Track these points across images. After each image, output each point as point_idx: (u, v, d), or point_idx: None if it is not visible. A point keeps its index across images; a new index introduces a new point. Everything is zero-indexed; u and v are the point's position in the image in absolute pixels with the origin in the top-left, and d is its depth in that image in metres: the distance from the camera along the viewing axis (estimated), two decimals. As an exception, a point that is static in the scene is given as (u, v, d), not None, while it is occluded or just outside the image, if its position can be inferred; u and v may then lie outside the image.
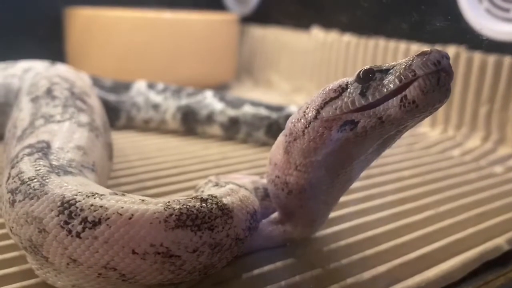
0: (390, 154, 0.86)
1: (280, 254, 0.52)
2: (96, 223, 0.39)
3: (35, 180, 0.43)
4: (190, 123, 0.97)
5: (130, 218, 0.39)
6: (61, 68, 0.81)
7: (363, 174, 0.61)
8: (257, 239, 0.50)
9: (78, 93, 0.68)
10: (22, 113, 0.63)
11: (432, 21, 1.04)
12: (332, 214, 0.59)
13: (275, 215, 0.52)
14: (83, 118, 0.61)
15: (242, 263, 0.50)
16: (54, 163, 0.48)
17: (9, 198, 0.43)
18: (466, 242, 0.57)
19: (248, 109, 0.93)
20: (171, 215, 0.40)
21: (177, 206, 0.41)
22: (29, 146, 0.51)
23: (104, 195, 0.41)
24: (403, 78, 0.38)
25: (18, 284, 0.46)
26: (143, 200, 0.41)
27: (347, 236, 0.57)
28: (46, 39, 1.33)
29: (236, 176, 0.58)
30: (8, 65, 0.89)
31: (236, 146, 0.92)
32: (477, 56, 0.96)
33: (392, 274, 0.51)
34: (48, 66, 0.83)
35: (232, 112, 0.94)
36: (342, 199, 0.61)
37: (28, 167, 0.46)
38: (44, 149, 0.50)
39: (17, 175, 0.45)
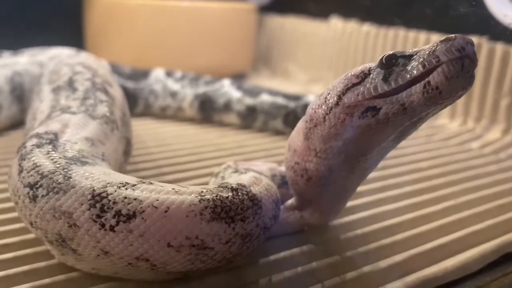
0: (408, 145, 0.85)
1: (296, 241, 0.52)
2: (130, 217, 0.38)
3: (57, 173, 0.42)
4: (207, 111, 0.97)
5: (166, 211, 0.38)
6: (84, 56, 0.82)
7: (380, 164, 0.60)
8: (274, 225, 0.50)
9: (99, 83, 0.67)
10: (43, 104, 0.62)
11: (453, 10, 1.03)
12: (349, 203, 0.59)
13: (292, 201, 0.52)
14: (100, 110, 0.59)
15: (259, 249, 0.50)
16: (67, 154, 0.46)
17: (28, 193, 0.42)
18: (485, 234, 0.57)
19: (265, 98, 0.93)
20: (206, 207, 0.39)
21: (211, 197, 0.40)
22: (37, 135, 0.49)
23: (135, 185, 0.40)
24: (426, 64, 0.37)
25: (37, 265, 0.47)
26: (176, 190, 0.40)
27: (363, 225, 0.57)
28: (66, 26, 1.34)
29: (254, 162, 0.58)
30: (38, 52, 0.90)
31: (253, 134, 0.92)
32: (499, 46, 0.94)
33: (408, 263, 0.51)
34: (74, 53, 0.84)
35: (249, 101, 0.93)
36: (359, 189, 0.60)
37: (43, 160, 0.44)
38: (52, 141, 0.48)
39: (33, 169, 0.43)
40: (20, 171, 0.44)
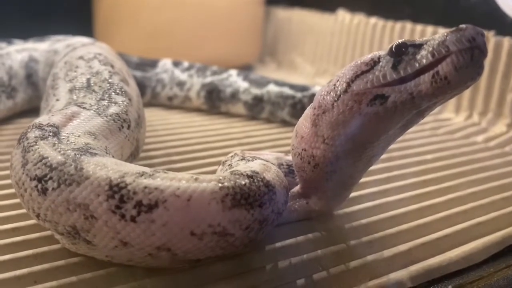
0: (413, 138, 0.86)
1: (301, 229, 0.53)
2: (152, 206, 0.38)
3: (67, 165, 0.41)
4: (214, 101, 0.97)
5: (188, 200, 0.38)
6: (99, 47, 0.81)
7: (386, 156, 0.60)
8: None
9: (117, 83, 0.65)
10: (59, 103, 0.61)
11: (460, 4, 1.03)
12: (354, 193, 0.60)
13: (297, 188, 0.53)
14: (113, 109, 0.58)
15: (265, 236, 0.51)
16: (74, 146, 0.45)
17: (36, 186, 0.41)
18: (489, 226, 0.57)
19: (272, 88, 0.93)
20: (227, 194, 0.40)
21: (230, 184, 0.40)
22: (39, 126, 0.48)
23: (152, 174, 0.40)
24: (436, 53, 0.38)
25: (45, 248, 0.48)
26: (195, 178, 0.40)
27: (368, 215, 0.58)
28: (75, 16, 1.35)
29: (261, 152, 0.58)
30: (60, 39, 0.90)
31: (260, 125, 0.92)
32: (506, 41, 0.94)
33: (413, 253, 0.52)
34: (89, 43, 0.84)
35: (256, 91, 0.94)
36: (364, 179, 0.61)
37: (50, 152, 0.43)
38: (56, 134, 0.47)
39: (40, 161, 0.42)
40: (25, 164, 0.43)
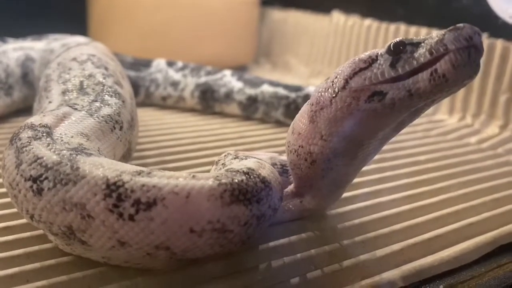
0: (406, 139, 0.86)
1: (295, 229, 0.53)
2: (151, 204, 0.38)
3: (62, 164, 0.40)
4: (208, 101, 0.97)
5: (187, 197, 0.38)
6: (94, 47, 0.80)
7: (378, 157, 0.60)
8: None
9: (110, 85, 0.65)
10: (51, 105, 0.61)
11: (453, 6, 1.03)
12: (347, 194, 0.60)
13: (291, 187, 0.53)
14: (105, 110, 0.57)
15: (259, 235, 0.51)
16: (68, 146, 0.45)
17: (31, 187, 0.41)
18: (480, 226, 0.58)
19: (266, 89, 0.93)
20: (225, 190, 0.40)
21: (228, 181, 0.40)
22: (32, 127, 0.48)
23: (150, 172, 0.40)
24: (434, 51, 0.38)
25: (37, 247, 0.47)
26: (193, 175, 0.40)
27: (361, 215, 0.58)
28: (69, 16, 1.34)
29: (254, 152, 0.58)
30: (58, 38, 0.90)
31: (254, 126, 0.92)
32: (499, 43, 0.95)
33: (405, 253, 0.52)
34: (84, 43, 0.83)
35: (250, 91, 0.94)
36: (357, 180, 0.61)
37: (45, 151, 0.42)
38: (49, 134, 0.47)
39: (34, 161, 0.42)
40: (19, 164, 0.43)
